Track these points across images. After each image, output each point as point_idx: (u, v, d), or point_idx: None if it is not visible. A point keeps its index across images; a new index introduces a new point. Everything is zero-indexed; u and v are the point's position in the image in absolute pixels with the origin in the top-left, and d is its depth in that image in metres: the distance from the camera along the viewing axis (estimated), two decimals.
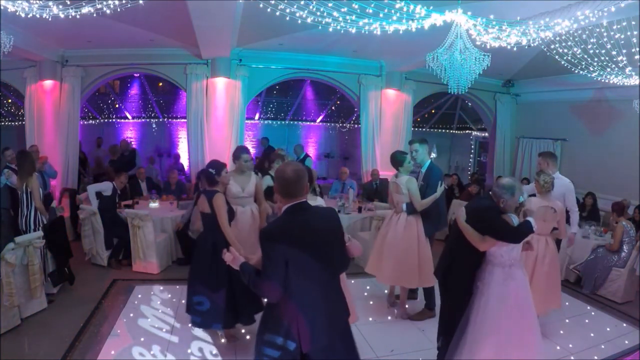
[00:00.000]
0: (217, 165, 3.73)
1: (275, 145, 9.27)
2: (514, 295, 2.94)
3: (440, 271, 3.30)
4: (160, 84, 10.17)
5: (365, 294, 5.05)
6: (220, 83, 7.68)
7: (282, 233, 2.14)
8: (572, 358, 3.79)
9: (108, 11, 4.11)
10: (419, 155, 4.41)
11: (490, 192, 3.11)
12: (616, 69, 5.47)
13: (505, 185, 2.96)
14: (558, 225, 4.07)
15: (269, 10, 4.05)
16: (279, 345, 2.11)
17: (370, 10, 3.93)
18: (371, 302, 4.81)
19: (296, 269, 2.09)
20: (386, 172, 8.32)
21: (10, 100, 9.28)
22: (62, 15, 4.20)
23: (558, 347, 3.95)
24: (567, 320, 4.55)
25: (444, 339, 3.25)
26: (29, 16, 4.18)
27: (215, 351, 3.72)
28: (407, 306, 4.55)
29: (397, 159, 4.36)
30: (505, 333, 2.89)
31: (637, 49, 4.70)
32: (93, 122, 10.23)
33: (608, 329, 4.40)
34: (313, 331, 2.11)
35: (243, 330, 3.95)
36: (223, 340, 3.84)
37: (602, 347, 4.01)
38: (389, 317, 4.46)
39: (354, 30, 4.29)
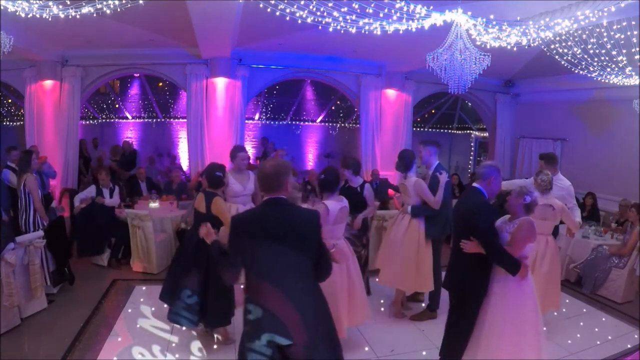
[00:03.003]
0: (223, 168, 3.73)
1: (275, 146, 9.27)
2: (529, 293, 2.96)
3: (451, 282, 3.19)
4: (160, 84, 10.17)
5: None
6: (220, 83, 7.68)
7: (250, 222, 2.21)
8: (572, 358, 3.79)
9: (108, 11, 4.12)
10: (423, 156, 4.37)
11: (475, 174, 3.12)
12: (616, 69, 5.48)
13: (490, 164, 3.10)
14: (565, 221, 4.14)
15: (269, 10, 4.05)
16: (256, 340, 2.07)
17: (370, 10, 3.93)
18: (371, 302, 4.79)
19: (262, 259, 2.11)
20: (386, 172, 8.34)
21: (10, 100, 9.29)
22: (62, 15, 4.21)
23: (558, 347, 3.94)
24: (567, 320, 4.54)
25: (450, 341, 3.18)
26: (29, 16, 4.19)
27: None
28: (410, 307, 4.55)
29: (398, 160, 4.32)
30: (522, 332, 2.90)
31: (637, 49, 4.71)
32: (93, 122, 10.23)
33: (608, 329, 4.39)
34: (287, 326, 2.06)
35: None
36: (217, 337, 3.84)
37: (602, 347, 4.00)
38: (389, 317, 4.46)
39: (354, 30, 4.29)
